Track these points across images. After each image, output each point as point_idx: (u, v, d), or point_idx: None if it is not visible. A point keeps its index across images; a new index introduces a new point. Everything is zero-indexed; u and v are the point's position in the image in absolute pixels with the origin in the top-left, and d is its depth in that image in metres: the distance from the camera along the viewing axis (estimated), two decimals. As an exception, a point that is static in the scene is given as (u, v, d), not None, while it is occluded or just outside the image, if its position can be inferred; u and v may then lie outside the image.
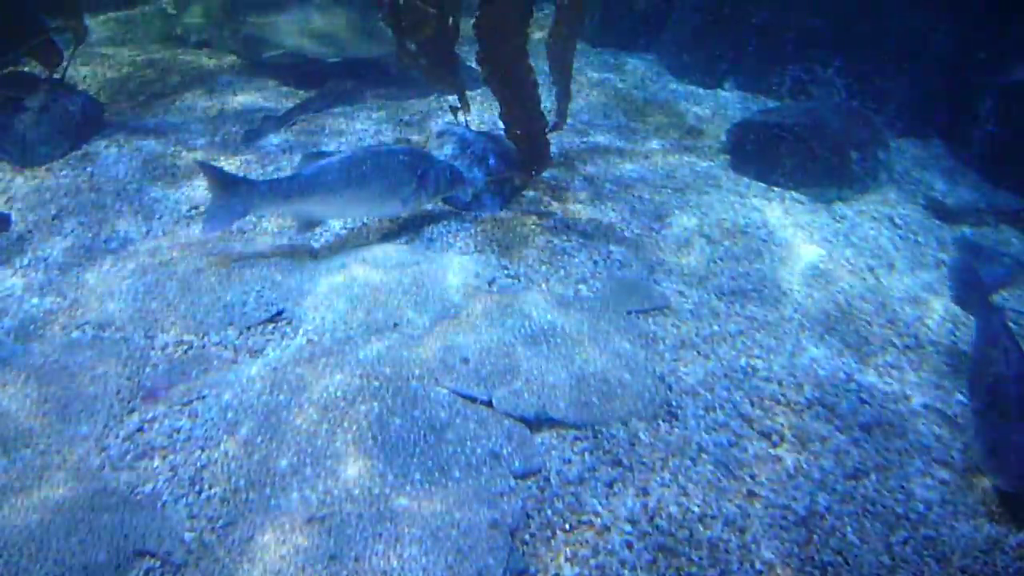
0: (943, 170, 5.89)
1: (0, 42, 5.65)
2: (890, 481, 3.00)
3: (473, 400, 3.11)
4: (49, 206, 4.45)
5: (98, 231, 4.24)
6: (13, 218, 4.34)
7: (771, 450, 3.09)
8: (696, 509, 2.78)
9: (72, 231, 4.23)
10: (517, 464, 2.87)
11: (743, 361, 3.55)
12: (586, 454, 2.97)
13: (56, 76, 5.45)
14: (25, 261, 3.99)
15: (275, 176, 4.67)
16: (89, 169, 4.86)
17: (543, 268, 4.10)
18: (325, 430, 2.90)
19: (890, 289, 4.30)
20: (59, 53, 5.50)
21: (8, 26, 5.43)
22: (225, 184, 3.66)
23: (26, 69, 5.69)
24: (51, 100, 5.11)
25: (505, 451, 2.91)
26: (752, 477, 2.95)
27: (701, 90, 6.93)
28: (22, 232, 4.23)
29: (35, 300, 3.71)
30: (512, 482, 2.81)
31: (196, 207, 4.47)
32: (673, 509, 2.77)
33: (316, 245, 4.16)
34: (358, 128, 5.61)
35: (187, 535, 2.55)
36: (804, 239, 4.64)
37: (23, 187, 4.64)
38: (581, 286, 3.98)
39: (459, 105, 5.04)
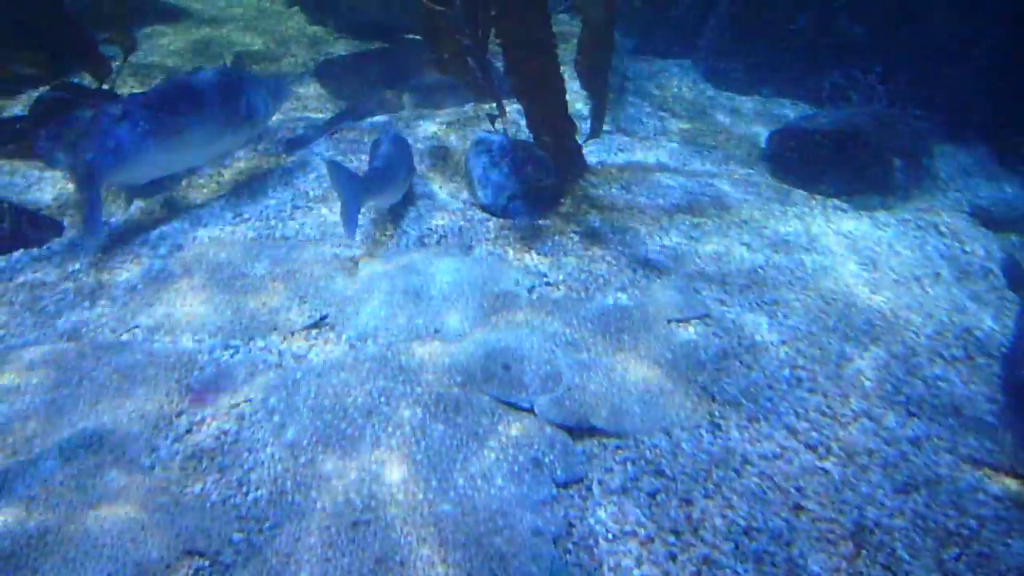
0: (988, 176, 5.77)
1: (52, 55, 5.85)
2: (941, 496, 2.94)
3: (515, 407, 3.12)
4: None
5: (146, 237, 4.34)
6: (65, 223, 4.46)
7: (817, 462, 3.05)
8: (741, 522, 2.75)
9: (121, 237, 4.34)
10: (559, 472, 2.87)
11: (786, 372, 3.51)
12: (628, 463, 2.96)
13: (105, 87, 5.60)
14: (76, 266, 4.09)
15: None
16: (137, 176, 4.98)
17: (582, 276, 4.09)
18: (369, 434, 2.93)
19: (936, 299, 4.22)
20: (108, 65, 5.66)
21: (60, 39, 5.61)
22: (352, 181, 3.89)
23: (76, 80, 5.84)
24: (101, 110, 5.24)
25: (547, 459, 2.91)
26: (798, 490, 2.91)
27: (738, 96, 6.88)
28: (73, 238, 4.34)
29: (86, 303, 3.80)
30: (554, 490, 2.81)
31: (241, 214, 4.55)
32: (718, 521, 2.75)
33: (357, 252, 4.21)
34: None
35: (236, 536, 2.59)
36: (847, 248, 4.58)
37: (74, 195, 4.77)
38: (620, 294, 3.97)
39: (496, 114, 5.08)
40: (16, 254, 4.15)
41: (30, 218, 4.34)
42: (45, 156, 5.05)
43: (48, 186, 4.86)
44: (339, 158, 5.21)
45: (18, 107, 5.67)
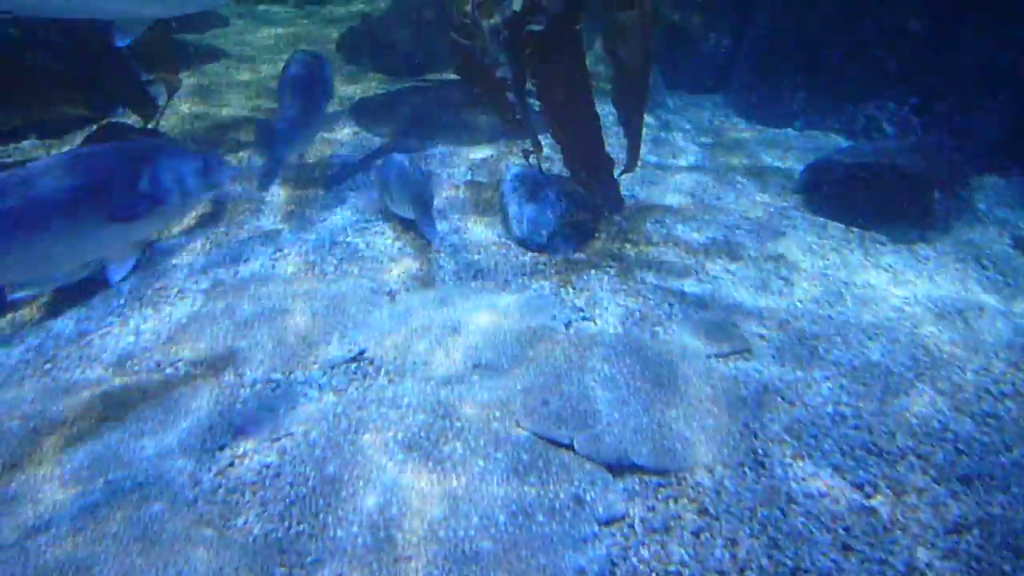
0: (1030, 208, 5.68)
1: (98, 94, 6.06)
2: (995, 537, 2.85)
3: (554, 443, 3.10)
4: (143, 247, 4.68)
5: (188, 272, 4.43)
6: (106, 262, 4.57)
7: (865, 501, 2.97)
8: (789, 562, 2.69)
9: (164, 272, 4.43)
10: (600, 510, 2.84)
11: (830, 408, 3.45)
12: (670, 501, 2.92)
13: (150, 126, 5.77)
14: (122, 300, 4.18)
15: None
16: (180, 213, 5.10)
17: (618, 310, 4.09)
18: (410, 469, 2.93)
19: (981, 333, 4.13)
20: (153, 104, 5.84)
21: (108, 80, 5.81)
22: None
23: (122, 120, 6.03)
24: (145, 148, 5.39)
25: (588, 496, 2.88)
26: (846, 530, 2.84)
27: (771, 130, 6.88)
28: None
29: (131, 338, 3.88)
30: (596, 528, 2.77)
31: (281, 249, 4.63)
32: (764, 562, 2.69)
33: (395, 287, 4.25)
34: (432, 171, 5.74)
35: (278, 570, 2.59)
36: (887, 281, 4.52)
37: None
38: (658, 328, 3.95)
39: (531, 149, 5.13)
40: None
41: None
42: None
43: (94, 222, 4.99)
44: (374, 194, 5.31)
45: (66, 147, 5.87)
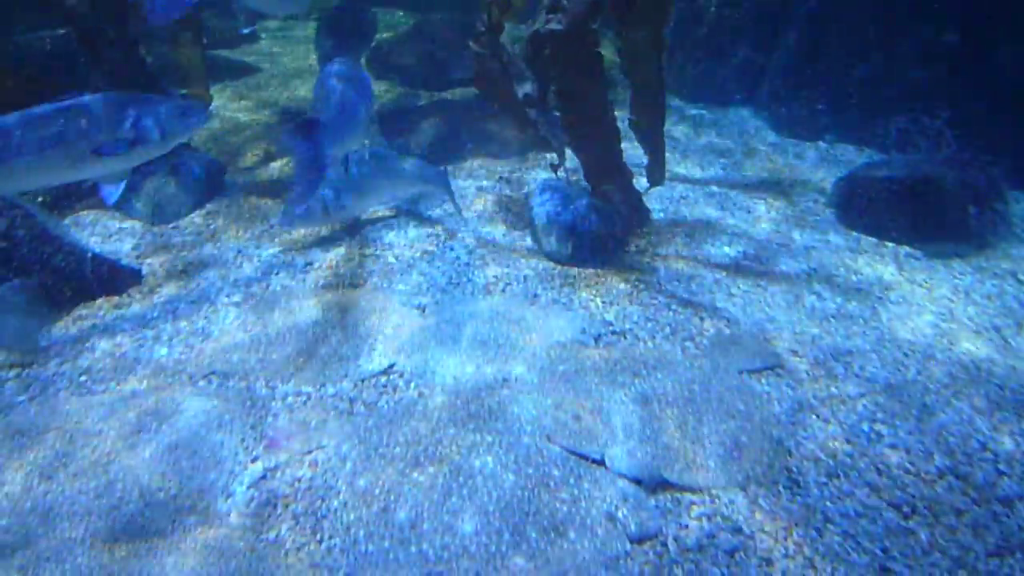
0: (1068, 223, 5.56)
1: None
2: (1039, 561, 2.78)
3: (585, 459, 3.08)
4: (176, 261, 4.75)
5: (221, 285, 4.48)
6: (144, 272, 4.64)
7: (903, 522, 2.91)
8: (825, 583, 2.64)
9: (197, 285, 4.49)
10: (633, 527, 2.81)
11: (866, 426, 3.39)
12: (704, 519, 2.88)
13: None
14: (155, 313, 4.24)
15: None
16: (212, 226, 5.17)
17: (648, 325, 4.06)
18: (441, 484, 2.93)
19: (1019, 350, 4.04)
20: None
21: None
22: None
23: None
24: (179, 163, 5.49)
25: (620, 513, 2.85)
26: (884, 551, 2.78)
27: (802, 143, 6.83)
28: (152, 286, 4.51)
29: (164, 351, 3.92)
30: (628, 545, 2.74)
31: (312, 263, 4.67)
32: (800, 582, 2.64)
33: (424, 301, 4.27)
34: (460, 184, 5.77)
35: (311, 585, 2.60)
36: (922, 297, 4.44)
37: (152, 243, 4.98)
38: (688, 343, 3.92)
39: (557, 162, 5.14)
40: (99, 301, 4.32)
41: (111, 267, 4.52)
42: (125, 206, 5.30)
43: (128, 236, 5.08)
44: (401, 203, 5.35)
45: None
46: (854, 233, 5.17)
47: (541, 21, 4.24)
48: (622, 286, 4.42)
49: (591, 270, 4.59)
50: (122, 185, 3.80)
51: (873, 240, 5.08)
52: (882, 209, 5.09)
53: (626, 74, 4.55)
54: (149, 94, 3.83)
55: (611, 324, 4.06)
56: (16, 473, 3.02)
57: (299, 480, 3.04)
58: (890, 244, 5.02)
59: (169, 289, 4.46)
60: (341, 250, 4.82)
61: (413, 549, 2.69)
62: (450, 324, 3.97)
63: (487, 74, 4.90)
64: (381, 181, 4.81)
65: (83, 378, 3.72)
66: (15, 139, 3.33)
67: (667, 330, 4.02)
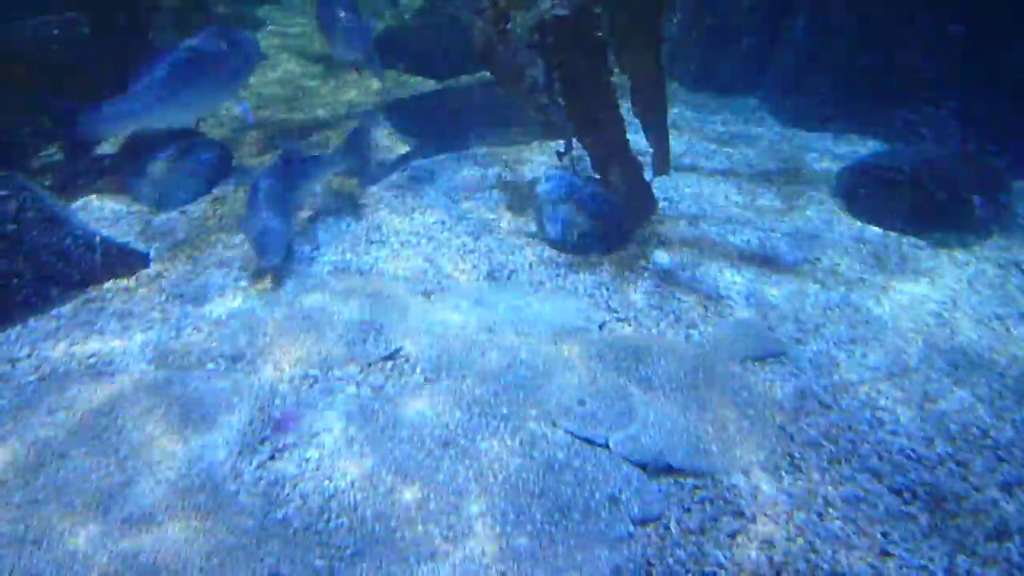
0: (1072, 214, 5.57)
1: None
2: (1038, 546, 2.81)
3: (590, 443, 3.12)
4: (184, 245, 4.78)
5: (228, 270, 4.51)
6: (152, 256, 4.67)
7: (903, 507, 2.95)
8: (826, 566, 2.68)
9: (204, 269, 4.52)
10: (636, 510, 2.85)
11: (867, 413, 3.42)
12: (707, 503, 2.92)
13: (192, 127, 5.89)
14: (163, 297, 4.27)
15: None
16: (219, 211, 5.20)
17: (653, 312, 4.09)
18: (447, 466, 2.97)
19: (1021, 339, 4.06)
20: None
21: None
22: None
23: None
24: (185, 149, 5.51)
25: (624, 496, 2.89)
26: (884, 535, 2.82)
27: (806, 133, 6.83)
28: (160, 270, 4.54)
29: (172, 334, 3.96)
30: (632, 528, 2.78)
31: (318, 247, 4.70)
32: (801, 565, 2.68)
33: (430, 287, 4.30)
34: (464, 174, 5.79)
35: (318, 562, 2.64)
36: (926, 286, 4.46)
37: (160, 228, 5.00)
38: (692, 331, 3.94)
39: (564, 150, 5.15)
40: (107, 284, 4.36)
41: (120, 250, 4.55)
42: (133, 190, 5.33)
43: (136, 219, 5.10)
44: (408, 190, 5.37)
45: (108, 146, 5.99)
46: (859, 222, 5.18)
47: (547, 6, 4.24)
48: (627, 273, 4.45)
49: (596, 257, 4.61)
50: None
51: (877, 230, 5.09)
52: (887, 199, 5.10)
53: (622, 67, 4.54)
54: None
55: (615, 311, 4.08)
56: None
57: (306, 461, 3.08)
58: (893, 234, 5.03)
59: (177, 273, 4.49)
60: (347, 236, 4.85)
61: (420, 528, 2.73)
62: (455, 310, 3.99)
63: (490, 50, 4.87)
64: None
65: (92, 360, 3.76)
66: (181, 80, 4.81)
67: (671, 317, 4.04)
